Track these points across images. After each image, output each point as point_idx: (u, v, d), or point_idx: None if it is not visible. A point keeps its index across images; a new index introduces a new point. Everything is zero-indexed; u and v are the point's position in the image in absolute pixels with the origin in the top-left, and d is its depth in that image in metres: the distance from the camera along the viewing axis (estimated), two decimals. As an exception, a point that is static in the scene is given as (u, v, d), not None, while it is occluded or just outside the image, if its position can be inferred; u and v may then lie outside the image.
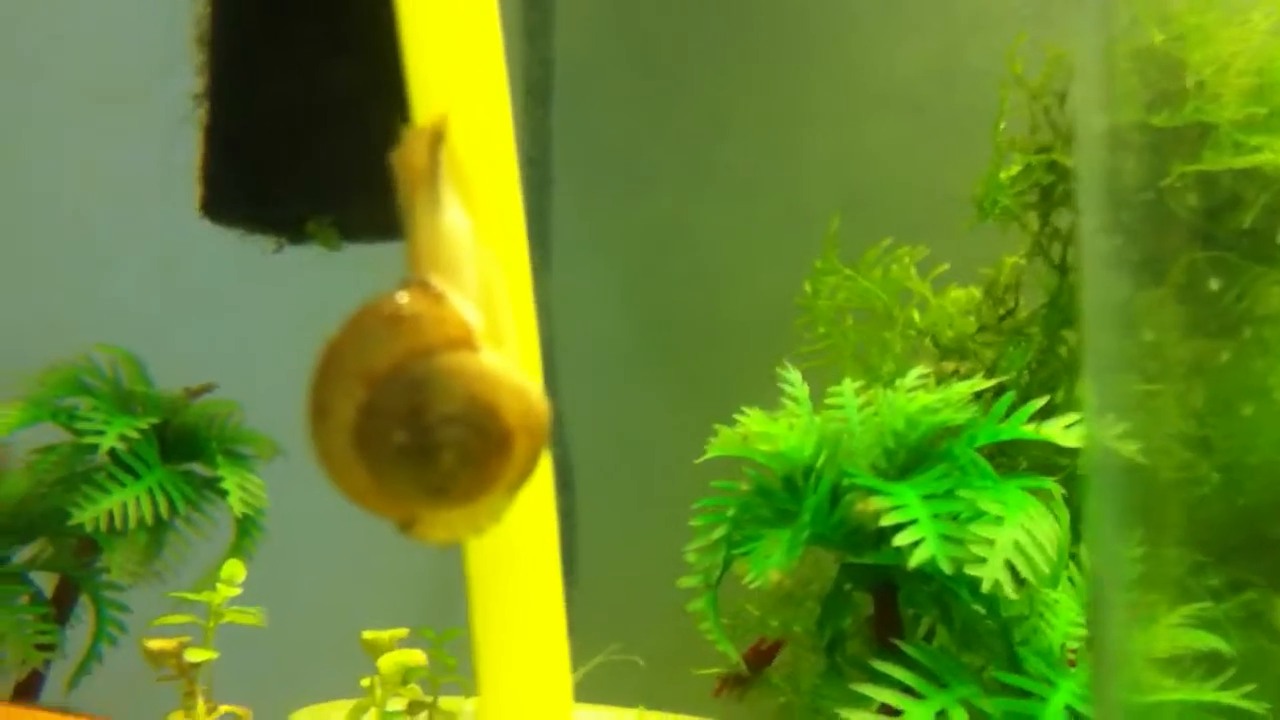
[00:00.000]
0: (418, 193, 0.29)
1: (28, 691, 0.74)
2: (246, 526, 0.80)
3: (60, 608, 0.77)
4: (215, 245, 0.82)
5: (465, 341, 0.28)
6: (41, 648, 0.73)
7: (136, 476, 0.75)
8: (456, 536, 0.30)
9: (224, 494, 0.78)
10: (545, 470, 0.32)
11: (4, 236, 1.00)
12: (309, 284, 0.86)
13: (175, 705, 0.64)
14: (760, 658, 0.68)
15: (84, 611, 0.79)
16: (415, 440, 0.28)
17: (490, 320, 0.28)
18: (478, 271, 0.29)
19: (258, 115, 0.76)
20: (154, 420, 0.77)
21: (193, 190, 0.78)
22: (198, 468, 0.80)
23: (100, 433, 0.74)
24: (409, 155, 0.29)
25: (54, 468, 0.76)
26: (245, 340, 1.03)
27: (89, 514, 0.72)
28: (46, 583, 0.77)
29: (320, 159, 0.75)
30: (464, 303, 0.28)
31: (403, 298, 0.28)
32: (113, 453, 0.75)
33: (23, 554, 0.76)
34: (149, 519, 0.74)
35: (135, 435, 0.75)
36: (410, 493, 0.28)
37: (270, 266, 0.84)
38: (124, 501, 0.73)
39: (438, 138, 0.29)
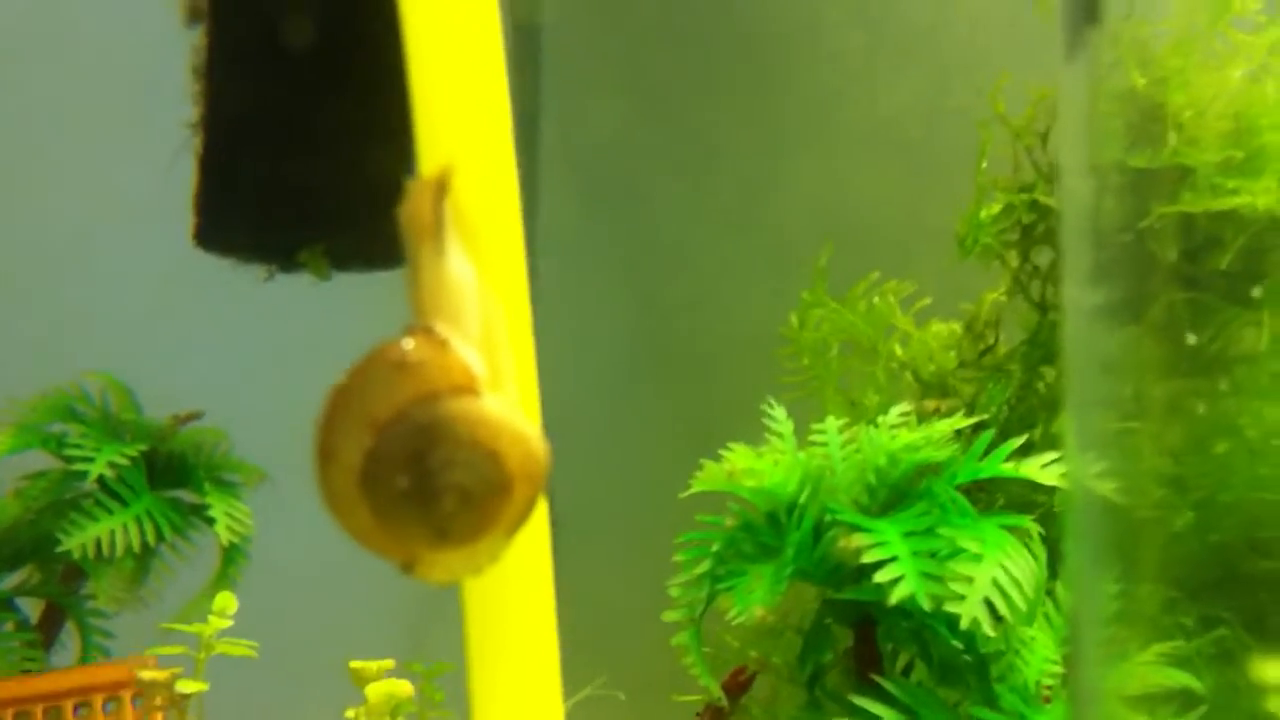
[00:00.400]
0: (423, 241, 0.30)
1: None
2: (232, 554, 0.80)
3: (46, 633, 0.77)
4: (205, 274, 0.82)
5: (469, 388, 0.29)
6: (27, 674, 0.74)
7: (124, 504, 0.76)
8: (456, 577, 0.31)
9: (211, 521, 0.78)
10: (542, 512, 0.32)
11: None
12: (298, 313, 0.87)
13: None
14: (738, 687, 0.69)
15: (69, 637, 0.79)
16: (418, 484, 0.29)
17: (492, 365, 0.29)
18: (480, 318, 0.30)
19: (251, 145, 0.77)
20: (142, 447, 0.77)
21: (185, 219, 0.79)
22: (185, 495, 0.80)
23: (89, 459, 0.74)
24: (414, 205, 0.30)
25: (43, 494, 0.76)
26: (233, 368, 1.03)
27: (77, 540, 0.73)
28: (33, 609, 0.78)
29: (312, 189, 0.76)
30: (467, 349, 0.29)
31: (408, 344, 0.29)
32: (101, 480, 0.75)
33: (10, 580, 0.77)
34: (136, 546, 0.75)
35: (124, 462, 0.76)
36: (412, 534, 0.29)
37: (260, 295, 0.84)
38: (112, 528, 0.74)
39: (442, 189, 0.30)
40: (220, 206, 0.76)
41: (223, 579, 0.79)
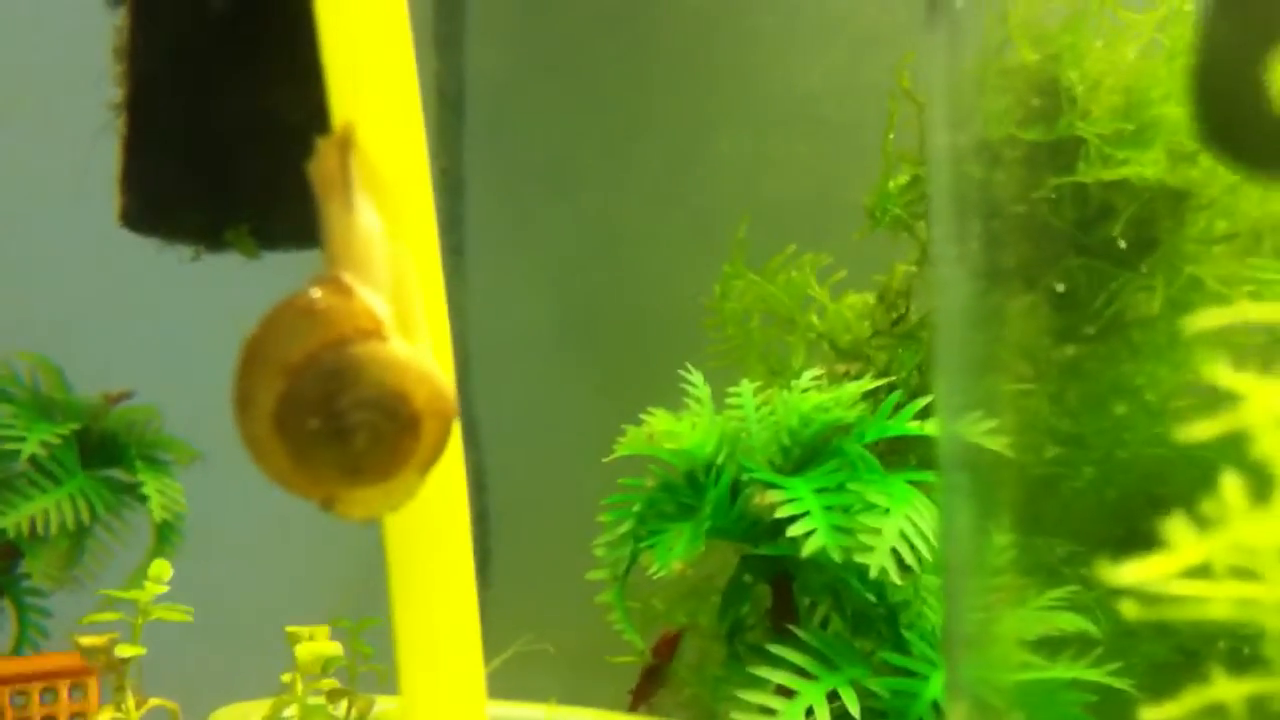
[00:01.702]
0: (331, 195, 0.32)
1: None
2: (166, 531, 0.81)
3: (-18, 612, 0.78)
4: (132, 252, 0.83)
5: (374, 332, 0.31)
6: None
7: (58, 482, 0.77)
8: (374, 513, 0.32)
9: (144, 499, 0.79)
10: (457, 459, 0.34)
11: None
12: (226, 291, 0.88)
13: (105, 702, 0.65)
14: (667, 649, 0.71)
15: (5, 618, 0.80)
16: (329, 425, 0.31)
17: (401, 314, 0.31)
18: (389, 268, 0.31)
19: (176, 126, 0.78)
20: (74, 426, 0.78)
21: (110, 197, 0.80)
22: (118, 474, 0.81)
23: (21, 439, 0.75)
24: (321, 160, 0.32)
25: (-26, 475, 0.77)
26: (163, 346, 1.04)
27: (11, 520, 0.74)
28: (-33, 589, 0.79)
29: (237, 168, 0.77)
30: (373, 296, 0.31)
31: (315, 293, 0.31)
32: (34, 459, 0.76)
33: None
34: (70, 524, 0.76)
35: (56, 441, 0.77)
36: (328, 474, 0.31)
37: (187, 274, 0.85)
38: (45, 507, 0.75)
39: (347, 143, 0.32)
40: (144, 187, 0.77)
41: (157, 555, 0.80)
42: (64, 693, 0.68)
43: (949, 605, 0.50)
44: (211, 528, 0.85)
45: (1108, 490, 0.53)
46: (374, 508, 0.32)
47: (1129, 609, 0.31)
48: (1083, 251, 0.56)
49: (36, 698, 0.68)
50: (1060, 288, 0.53)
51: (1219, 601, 0.31)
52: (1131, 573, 0.31)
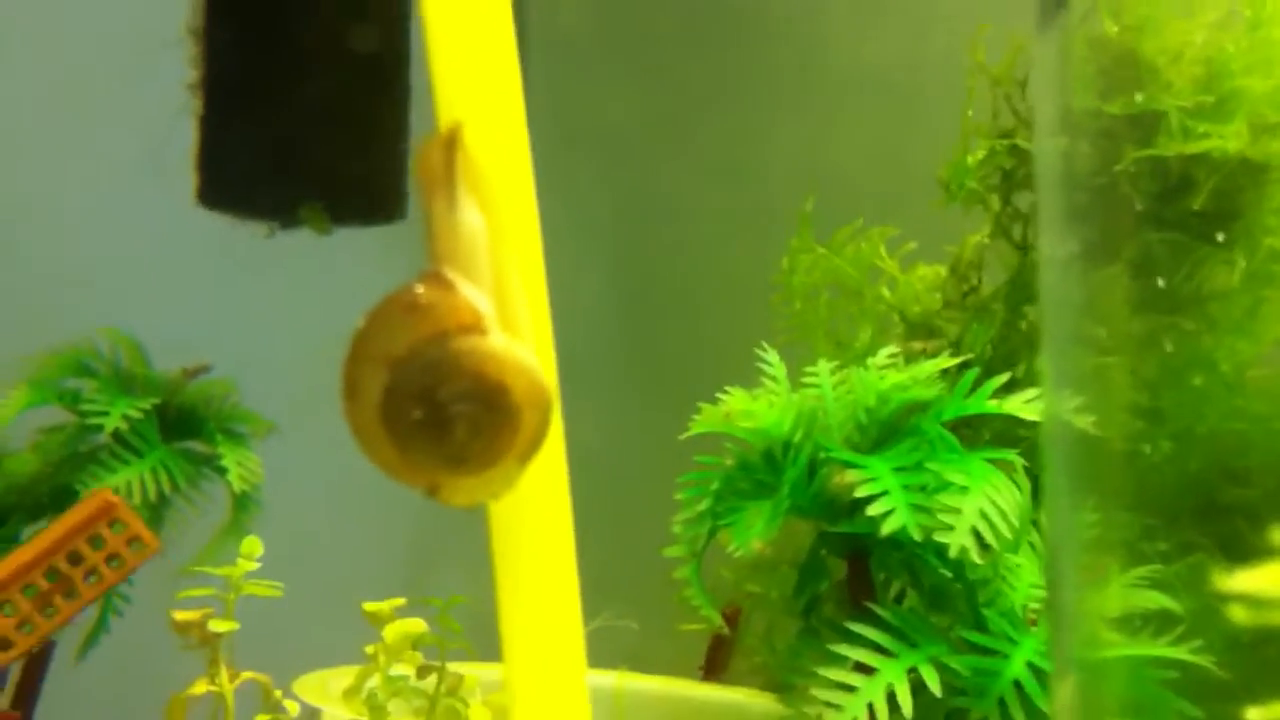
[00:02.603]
0: (435, 193, 0.32)
1: (38, 661, 0.77)
2: (244, 502, 0.83)
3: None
4: (209, 229, 0.84)
5: (475, 326, 0.31)
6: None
7: (139, 455, 0.78)
8: (476, 501, 0.33)
9: (222, 471, 0.81)
10: (558, 443, 0.35)
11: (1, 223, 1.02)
12: (300, 267, 0.89)
13: (178, 671, 0.67)
14: (729, 621, 0.72)
15: (87, 585, 0.81)
16: (431, 416, 0.31)
17: (503, 309, 0.32)
18: (491, 265, 0.32)
19: (249, 106, 0.79)
20: (154, 400, 0.80)
21: (187, 174, 0.81)
22: (196, 446, 0.83)
23: (104, 413, 0.77)
24: (426, 159, 0.33)
25: (60, 447, 0.79)
26: (239, 321, 1.05)
27: (94, 491, 0.75)
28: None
29: (310, 147, 0.78)
30: (474, 291, 0.31)
31: (418, 288, 0.32)
32: (116, 432, 0.77)
33: (32, 530, 0.79)
34: (151, 495, 0.77)
35: (137, 415, 0.78)
36: (430, 463, 0.32)
37: (262, 250, 0.86)
38: (128, 479, 0.76)
39: (452, 143, 0.32)
40: (220, 166, 0.78)
41: (235, 526, 0.82)
42: (107, 534, 0.69)
43: (1050, 582, 0.50)
44: (282, 498, 0.86)
45: (1188, 463, 0.52)
46: (476, 496, 0.33)
47: (1237, 613, 0.31)
48: (1162, 225, 0.56)
49: (65, 561, 0.68)
50: (1141, 264, 0.53)
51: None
52: (1244, 582, 0.31)
